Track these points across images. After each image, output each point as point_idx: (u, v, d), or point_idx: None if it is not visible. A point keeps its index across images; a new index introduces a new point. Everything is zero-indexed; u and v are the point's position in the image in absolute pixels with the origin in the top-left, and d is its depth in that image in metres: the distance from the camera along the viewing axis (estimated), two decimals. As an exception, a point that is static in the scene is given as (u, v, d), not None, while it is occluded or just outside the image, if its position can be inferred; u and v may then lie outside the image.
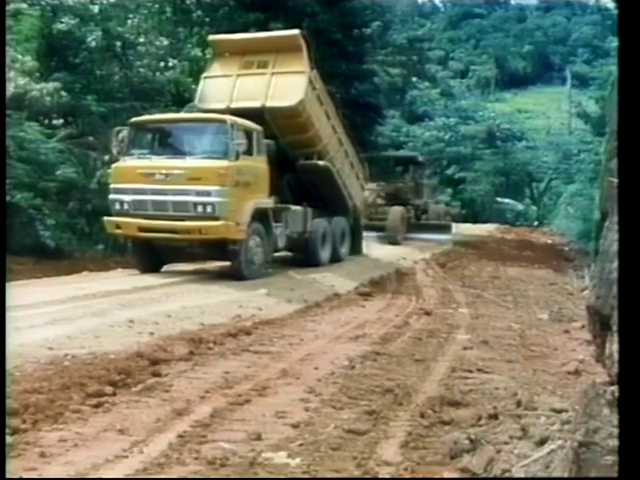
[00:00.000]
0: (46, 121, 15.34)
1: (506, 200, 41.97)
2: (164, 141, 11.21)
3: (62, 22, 15.80)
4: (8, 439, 3.46)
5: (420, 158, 25.00)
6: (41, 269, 10.44)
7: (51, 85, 14.65)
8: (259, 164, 11.08)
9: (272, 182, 11.88)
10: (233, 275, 10.40)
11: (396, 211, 20.36)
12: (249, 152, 10.70)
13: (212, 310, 7.81)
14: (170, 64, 18.13)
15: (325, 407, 4.27)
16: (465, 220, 35.59)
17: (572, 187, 36.17)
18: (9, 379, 4.49)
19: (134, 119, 11.31)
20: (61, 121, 15.52)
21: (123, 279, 9.97)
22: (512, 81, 78.58)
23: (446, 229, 21.96)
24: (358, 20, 26.56)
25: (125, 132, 10.80)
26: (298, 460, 3.33)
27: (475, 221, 35.01)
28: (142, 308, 7.62)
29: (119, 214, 10.45)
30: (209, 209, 9.97)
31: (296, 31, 12.87)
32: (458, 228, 23.87)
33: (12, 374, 4.65)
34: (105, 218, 10.72)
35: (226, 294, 9.12)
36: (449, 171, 42.28)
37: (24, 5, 16.10)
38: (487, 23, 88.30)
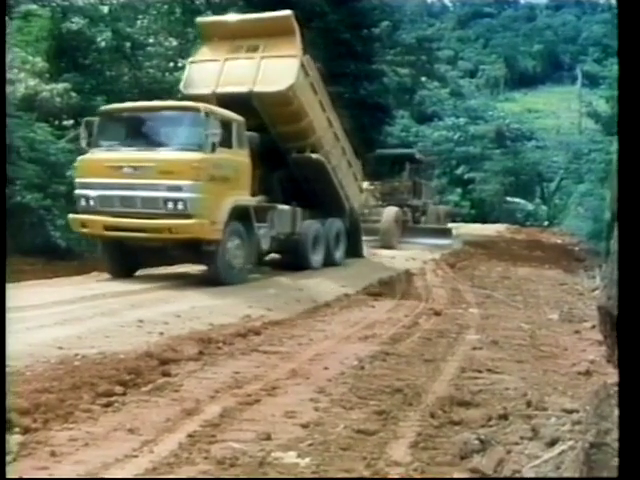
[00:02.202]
0: (56, 122, 15.42)
1: (516, 200, 41.84)
2: (135, 132, 10.25)
3: (72, 22, 15.88)
4: (19, 438, 3.48)
5: (418, 155, 23.45)
6: (51, 269, 10.45)
7: (61, 86, 14.72)
8: (240, 158, 10.22)
9: (262, 179, 11.26)
10: (210, 280, 9.56)
11: (390, 212, 18.98)
12: (228, 144, 9.90)
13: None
14: (179, 65, 18.18)
15: (335, 407, 4.27)
16: (475, 220, 35.57)
17: (582, 187, 36.04)
18: (19, 378, 4.52)
19: (103, 107, 10.58)
20: (71, 122, 15.59)
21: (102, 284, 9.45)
22: (522, 80, 78.33)
23: (446, 233, 20.57)
24: (367, 20, 26.56)
25: (95, 122, 9.97)
26: (307, 460, 3.33)
27: (485, 221, 34.95)
28: (151, 308, 7.65)
29: (85, 211, 9.58)
30: (180, 206, 9.12)
31: (288, 12, 12.05)
32: (459, 230, 23.42)
33: (23, 373, 4.68)
34: (70, 216, 9.92)
35: (197, 301, 8.15)
36: (458, 171, 42.19)
37: (34, 6, 16.20)
38: (496, 22, 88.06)
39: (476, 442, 3.44)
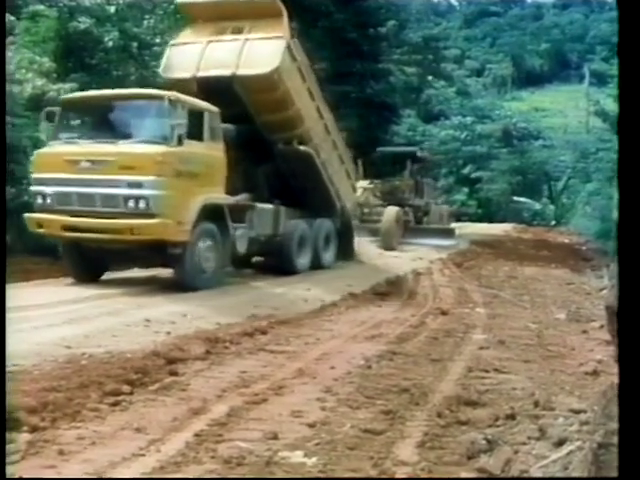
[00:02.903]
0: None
1: (523, 199, 41.72)
2: (97, 123, 9.48)
3: (79, 22, 15.93)
4: (27, 436, 3.49)
5: (420, 154, 22.30)
6: (57, 269, 10.45)
7: (68, 86, 14.73)
8: (212, 152, 9.41)
9: (246, 175, 10.70)
10: (178, 285, 8.85)
11: (390, 212, 18.07)
12: (198, 137, 9.15)
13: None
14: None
15: (341, 406, 4.27)
16: (481, 219, 35.50)
17: (590, 186, 35.93)
18: (27, 377, 4.54)
19: (63, 96, 9.88)
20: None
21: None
22: (529, 79, 78.15)
23: (449, 233, 20.03)
24: (373, 19, 26.57)
25: (56, 113, 9.26)
26: (314, 459, 3.33)
27: (491, 220, 34.87)
28: (158, 308, 7.67)
29: (41, 210, 8.87)
30: (142, 204, 8.35)
31: None
32: (466, 230, 23.10)
33: (31, 372, 4.70)
34: (26, 215, 9.11)
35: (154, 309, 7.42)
36: (465, 170, 42.10)
37: (42, 7, 16.25)
38: (503, 21, 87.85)
39: (483, 442, 3.43)
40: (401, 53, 30.64)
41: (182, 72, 10.73)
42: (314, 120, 11.87)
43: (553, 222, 40.08)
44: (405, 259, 15.12)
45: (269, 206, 11.27)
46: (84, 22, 15.99)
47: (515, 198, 41.49)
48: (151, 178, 8.39)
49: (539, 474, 3.02)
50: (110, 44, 16.35)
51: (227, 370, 5.19)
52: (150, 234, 8.45)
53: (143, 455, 3.34)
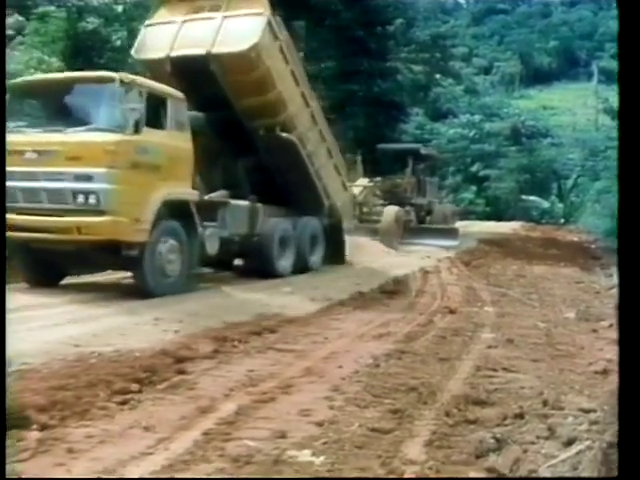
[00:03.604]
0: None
1: (531, 197, 41.61)
2: (47, 110, 8.75)
3: (87, 22, 16.00)
4: (37, 434, 3.50)
5: (423, 151, 21.51)
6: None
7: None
8: (176, 142, 8.62)
9: (224, 169, 10.14)
10: (139, 291, 8.12)
11: (390, 211, 17.56)
12: (159, 125, 8.37)
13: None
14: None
15: (349, 405, 4.26)
16: (489, 218, 35.44)
17: (599, 184, 35.73)
18: (36, 375, 4.56)
19: (12, 81, 8.74)
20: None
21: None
22: (537, 77, 77.93)
23: (452, 233, 19.03)
24: (381, 17, 26.54)
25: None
26: (322, 458, 3.32)
27: (500, 219, 34.81)
28: (166, 307, 7.68)
29: None
30: (92, 200, 7.51)
31: None
32: (474, 228, 22.80)
33: (40, 371, 4.72)
34: None
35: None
36: (473, 168, 42.01)
37: (52, 7, 16.32)
38: (511, 19, 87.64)
39: (492, 441, 3.42)
40: (408, 51, 30.59)
41: (155, 52, 10.00)
42: (298, 107, 11.02)
43: (562, 220, 39.98)
44: (406, 259, 14.85)
45: (244, 203, 10.44)
46: (92, 22, 16.06)
47: (523, 196, 41.38)
48: (102, 170, 7.52)
49: (548, 474, 3.01)
50: (118, 43, 16.42)
51: (235, 369, 5.19)
52: (100, 234, 7.59)
53: (152, 454, 3.35)
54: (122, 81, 7.86)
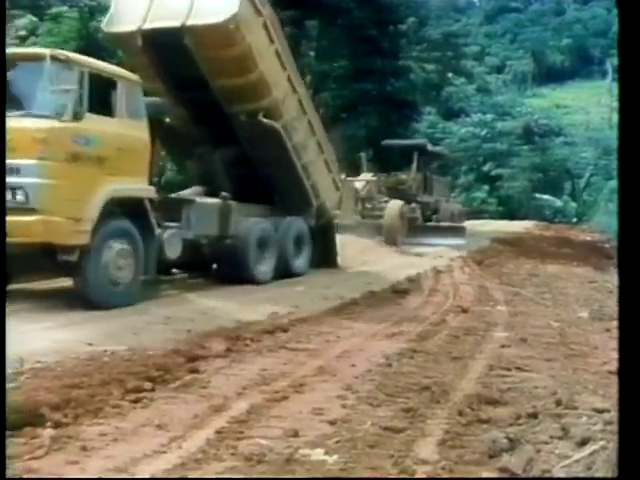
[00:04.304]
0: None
1: (544, 196, 41.42)
2: None
3: (99, 22, 16.09)
4: (51, 432, 3.53)
5: (430, 147, 20.79)
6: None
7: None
8: (129, 131, 7.69)
9: (200, 161, 9.34)
10: (83, 300, 7.16)
11: (394, 206, 16.80)
12: (107, 111, 7.45)
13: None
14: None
15: (362, 404, 4.26)
16: (502, 217, 35.31)
17: (612, 183, 35.56)
18: (50, 374, 4.59)
19: None
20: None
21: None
22: (550, 76, 77.51)
23: (459, 232, 18.48)
24: (393, 16, 26.51)
25: None
26: (335, 457, 3.32)
27: (512, 218, 34.68)
28: (178, 306, 7.71)
29: None
30: (20, 196, 6.52)
31: None
32: (486, 227, 22.47)
33: (53, 369, 4.75)
34: None
35: None
36: (485, 167, 41.88)
37: (64, 8, 16.44)
38: (524, 17, 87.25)
39: (505, 441, 3.40)
40: (421, 50, 30.55)
41: (126, 25, 9.14)
42: (284, 92, 10.08)
43: (575, 219, 39.78)
44: (406, 262, 14.36)
45: (214, 201, 9.49)
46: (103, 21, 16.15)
47: (536, 195, 41.20)
48: (31, 162, 6.56)
49: (562, 474, 2.99)
50: (130, 43, 16.48)
51: (247, 367, 5.20)
52: (30, 235, 6.55)
53: (164, 452, 3.36)
54: (54, 58, 6.81)
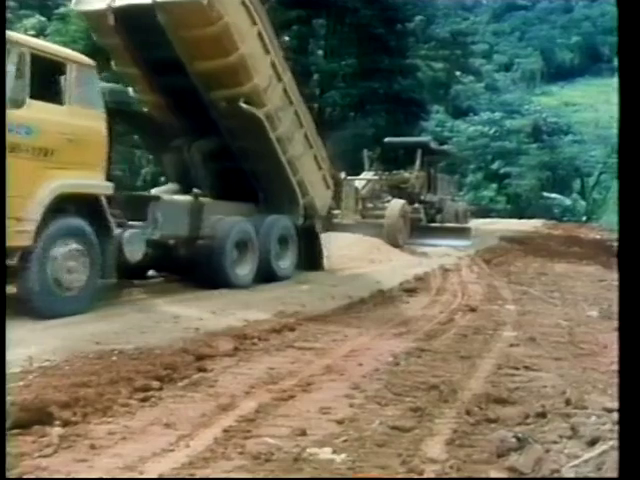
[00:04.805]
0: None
1: (553, 195, 41.31)
2: None
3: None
4: (60, 431, 3.54)
5: (434, 145, 20.31)
6: None
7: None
8: (81, 121, 6.94)
9: (175, 154, 8.73)
10: (25, 308, 6.38)
11: (395, 206, 16.38)
12: (55, 98, 6.74)
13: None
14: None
15: (370, 403, 4.25)
16: (511, 215, 35.25)
17: (622, 181, 35.37)
18: (58, 372, 4.60)
19: None
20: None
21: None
22: (559, 73, 77.27)
23: (464, 233, 17.95)
24: (400, 15, 26.52)
25: None
26: (343, 456, 3.32)
27: (521, 216, 34.63)
28: (186, 304, 7.72)
29: None
30: None
31: None
32: (495, 226, 22.35)
33: (62, 368, 4.76)
34: None
35: None
36: (494, 166, 41.81)
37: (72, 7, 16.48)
38: (532, 15, 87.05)
39: (513, 440, 3.39)
40: (429, 48, 30.55)
41: (96, 2, 8.63)
42: (268, 78, 9.43)
43: (584, 218, 39.66)
44: (414, 261, 14.26)
45: (183, 198, 8.86)
46: (113, 21, 16.18)
47: (545, 194, 41.10)
48: None
49: (571, 474, 2.97)
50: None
51: (255, 366, 5.21)
52: None
53: (172, 450, 3.37)
54: None
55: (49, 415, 3.69)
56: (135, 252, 7.69)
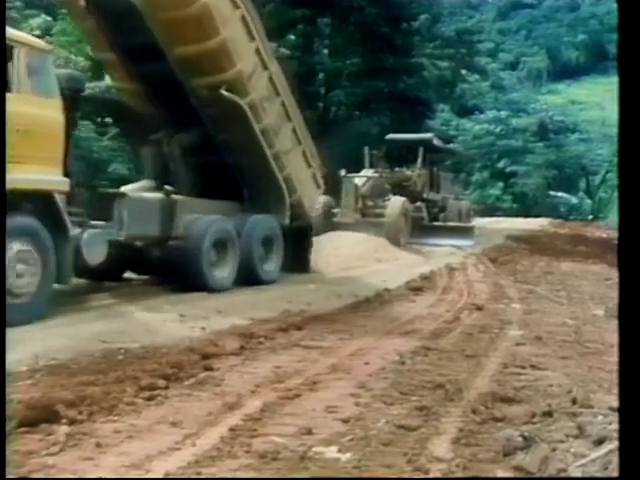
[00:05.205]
0: (99, 119, 15.72)
1: (559, 194, 41.22)
2: None
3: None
4: (66, 429, 3.55)
5: (437, 142, 19.70)
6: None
7: (103, 84, 14.98)
8: (33, 110, 6.35)
9: (152, 147, 8.32)
10: None
11: (396, 203, 15.95)
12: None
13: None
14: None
15: (376, 402, 4.25)
16: (517, 214, 35.17)
17: (628, 180, 35.26)
18: (65, 371, 4.62)
19: None
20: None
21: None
22: (565, 72, 77.07)
23: (467, 232, 17.67)
24: (406, 13, 26.49)
25: None
26: (349, 455, 3.32)
27: (527, 215, 34.57)
28: (192, 303, 7.73)
29: None
30: None
31: None
32: (501, 225, 22.18)
33: (68, 366, 4.78)
34: None
35: None
36: (500, 165, 41.74)
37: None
38: (538, 13, 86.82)
39: (519, 439, 3.38)
40: (434, 47, 30.49)
41: None
42: (252, 66, 8.95)
43: (590, 217, 39.56)
44: (420, 260, 14.15)
45: (152, 196, 8.30)
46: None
47: (551, 192, 41.00)
48: None
49: (578, 473, 2.96)
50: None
51: (261, 365, 5.21)
52: None
53: (179, 449, 3.37)
54: None
55: (56, 413, 3.70)
56: (95, 254, 7.10)
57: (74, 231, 6.80)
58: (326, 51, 27.30)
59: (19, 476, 2.96)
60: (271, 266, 9.78)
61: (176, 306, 7.45)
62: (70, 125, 6.98)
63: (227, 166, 9.33)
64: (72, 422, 3.68)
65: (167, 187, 8.43)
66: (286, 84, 9.97)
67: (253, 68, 9.01)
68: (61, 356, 5.02)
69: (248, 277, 9.16)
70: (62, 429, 3.55)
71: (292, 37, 24.87)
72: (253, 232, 9.32)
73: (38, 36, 18.62)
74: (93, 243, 7.06)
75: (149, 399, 4.20)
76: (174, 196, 8.40)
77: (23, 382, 4.26)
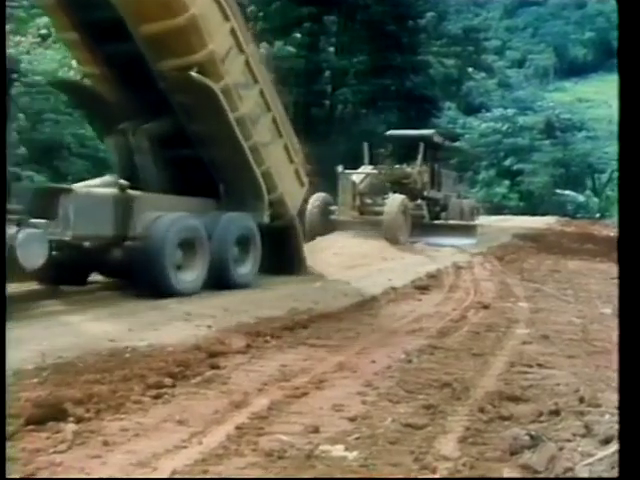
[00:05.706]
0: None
1: (566, 192, 41.08)
2: None
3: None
4: (73, 427, 3.56)
5: (438, 138, 19.07)
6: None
7: (110, 83, 15.01)
8: None
9: (120, 138, 7.68)
10: None
11: (395, 201, 15.48)
12: None
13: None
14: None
15: (382, 401, 4.25)
16: (523, 212, 35.08)
17: (636, 178, 35.11)
18: (72, 369, 4.64)
19: None
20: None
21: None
22: (572, 69, 76.78)
23: (469, 231, 17.21)
24: (412, 11, 26.47)
25: None
26: (355, 453, 3.32)
27: (534, 213, 34.46)
28: (199, 302, 7.74)
29: None
30: None
31: None
32: (508, 223, 21.92)
33: (75, 365, 4.79)
34: None
35: None
36: (506, 162, 41.62)
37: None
38: (545, 10, 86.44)
39: (526, 438, 3.37)
40: (441, 45, 30.46)
41: None
42: (226, 47, 8.26)
43: (597, 215, 39.39)
44: (426, 258, 14.03)
45: (104, 191, 7.57)
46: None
47: (558, 191, 40.87)
48: None
49: (585, 472, 2.95)
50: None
51: (267, 364, 5.21)
52: None
53: (185, 447, 3.38)
54: None
55: (63, 411, 3.71)
56: (31, 256, 6.36)
57: (10, 231, 6.13)
58: (332, 49, 27.29)
59: (26, 475, 2.97)
60: (246, 269, 8.99)
61: (121, 318, 6.56)
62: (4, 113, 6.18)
63: (200, 160, 8.65)
64: (79, 420, 3.69)
65: (122, 182, 7.66)
66: (266, 72, 9.40)
67: (227, 50, 8.28)
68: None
69: (220, 280, 8.38)
70: (69, 427, 3.56)
71: (298, 35, 24.86)
72: (226, 231, 8.57)
73: (45, 35, 18.71)
74: (29, 244, 6.33)
75: (156, 397, 4.22)
76: (131, 192, 7.66)
77: (30, 380, 4.27)
